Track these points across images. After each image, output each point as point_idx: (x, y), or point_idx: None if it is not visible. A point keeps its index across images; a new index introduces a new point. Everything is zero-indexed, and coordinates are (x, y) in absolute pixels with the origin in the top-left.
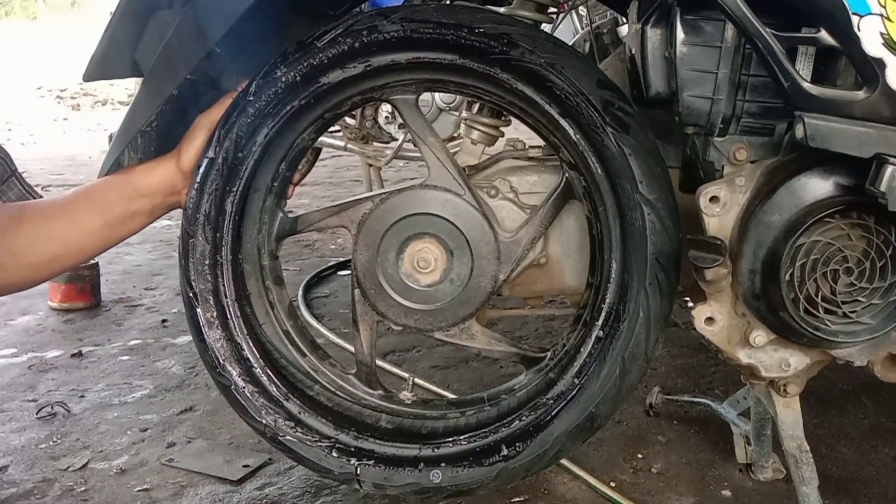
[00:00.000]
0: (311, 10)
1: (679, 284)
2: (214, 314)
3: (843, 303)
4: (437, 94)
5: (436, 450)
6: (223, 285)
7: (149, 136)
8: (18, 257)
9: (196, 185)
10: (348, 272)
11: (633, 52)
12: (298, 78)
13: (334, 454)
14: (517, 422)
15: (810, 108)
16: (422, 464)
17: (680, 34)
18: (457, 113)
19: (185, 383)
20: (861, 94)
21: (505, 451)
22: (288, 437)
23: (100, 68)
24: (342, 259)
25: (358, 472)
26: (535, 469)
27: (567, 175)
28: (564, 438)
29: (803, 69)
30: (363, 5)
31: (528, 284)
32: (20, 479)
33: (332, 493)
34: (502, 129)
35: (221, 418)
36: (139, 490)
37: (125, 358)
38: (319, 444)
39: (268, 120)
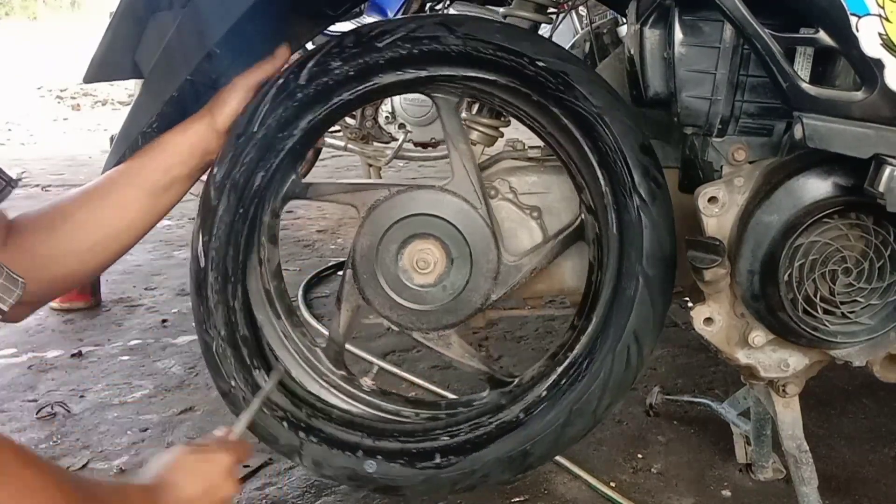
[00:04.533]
0: (310, 10)
1: (651, 354)
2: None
3: (842, 303)
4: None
5: (376, 441)
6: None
7: (150, 138)
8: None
9: (230, 154)
10: None
11: (632, 52)
12: (352, 73)
13: (285, 425)
14: (457, 436)
15: (809, 108)
16: (360, 451)
17: (678, 35)
18: None
19: (185, 383)
20: (859, 95)
21: (438, 460)
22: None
23: (100, 70)
24: (342, 259)
25: (302, 446)
26: (461, 485)
27: (583, 217)
28: (494, 465)
29: (802, 70)
30: (363, 6)
31: (528, 284)
32: None
33: (332, 493)
34: (502, 129)
35: (221, 418)
36: None
37: (125, 358)
38: (275, 415)
39: (315, 108)
